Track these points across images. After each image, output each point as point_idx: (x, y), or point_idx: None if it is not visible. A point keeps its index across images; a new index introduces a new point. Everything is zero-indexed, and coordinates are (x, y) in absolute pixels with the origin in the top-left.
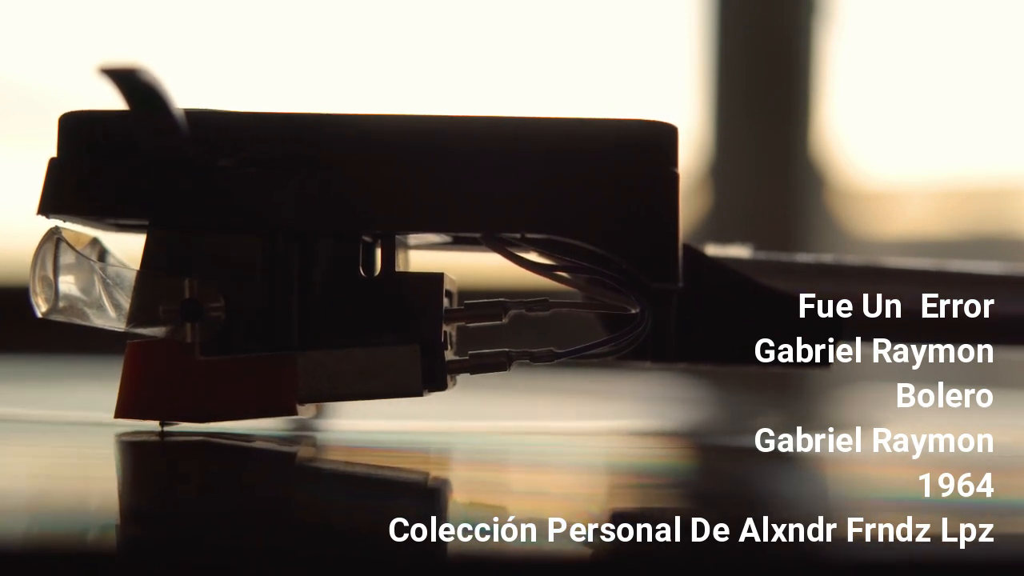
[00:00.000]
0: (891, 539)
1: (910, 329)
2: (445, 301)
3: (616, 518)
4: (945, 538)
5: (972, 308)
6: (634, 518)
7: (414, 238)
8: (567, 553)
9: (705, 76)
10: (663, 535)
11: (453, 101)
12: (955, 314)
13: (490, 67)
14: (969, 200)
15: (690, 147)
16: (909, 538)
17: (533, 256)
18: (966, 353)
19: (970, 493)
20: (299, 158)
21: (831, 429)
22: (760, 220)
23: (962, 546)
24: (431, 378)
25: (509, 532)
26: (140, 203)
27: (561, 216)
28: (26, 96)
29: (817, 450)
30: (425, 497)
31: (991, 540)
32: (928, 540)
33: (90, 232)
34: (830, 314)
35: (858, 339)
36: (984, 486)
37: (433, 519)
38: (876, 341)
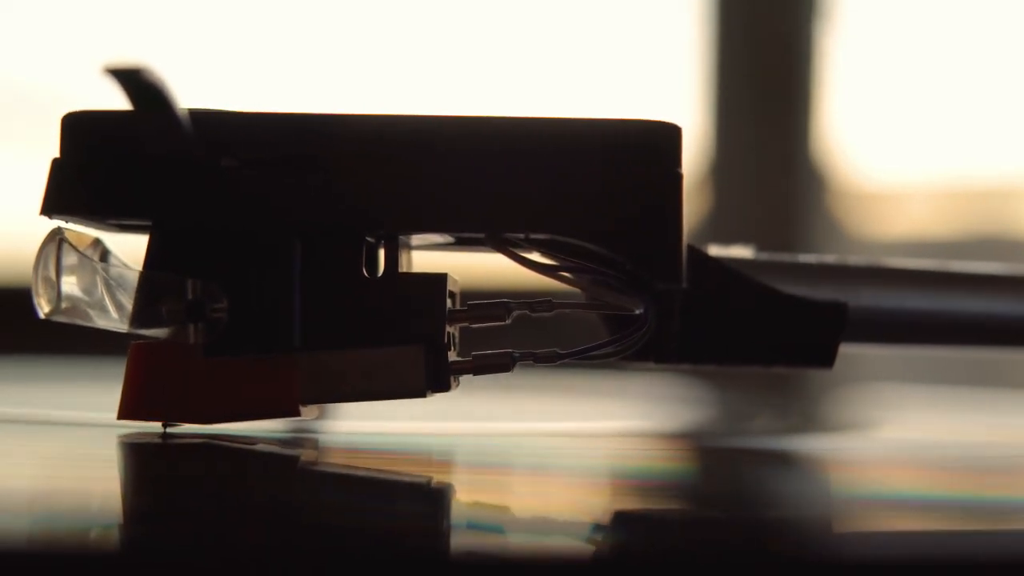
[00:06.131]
0: (891, 539)
1: (910, 329)
2: (448, 302)
3: (617, 519)
4: (945, 538)
5: (972, 308)
6: (635, 519)
7: (417, 238)
8: (568, 554)
9: (707, 76)
10: (664, 535)
11: (455, 101)
12: (955, 314)
13: (492, 67)
14: (970, 201)
15: (691, 147)
16: (909, 538)
17: (536, 256)
18: (966, 353)
19: (970, 493)
20: (303, 158)
21: (831, 429)
22: (761, 221)
23: (962, 546)
24: (434, 379)
25: (511, 533)
26: (143, 203)
27: (565, 216)
28: (28, 96)
29: (817, 450)
30: (428, 499)
31: (991, 540)
32: (928, 540)
33: (93, 233)
34: (831, 314)
35: (859, 339)
36: (984, 486)
37: (435, 520)
38: (877, 341)
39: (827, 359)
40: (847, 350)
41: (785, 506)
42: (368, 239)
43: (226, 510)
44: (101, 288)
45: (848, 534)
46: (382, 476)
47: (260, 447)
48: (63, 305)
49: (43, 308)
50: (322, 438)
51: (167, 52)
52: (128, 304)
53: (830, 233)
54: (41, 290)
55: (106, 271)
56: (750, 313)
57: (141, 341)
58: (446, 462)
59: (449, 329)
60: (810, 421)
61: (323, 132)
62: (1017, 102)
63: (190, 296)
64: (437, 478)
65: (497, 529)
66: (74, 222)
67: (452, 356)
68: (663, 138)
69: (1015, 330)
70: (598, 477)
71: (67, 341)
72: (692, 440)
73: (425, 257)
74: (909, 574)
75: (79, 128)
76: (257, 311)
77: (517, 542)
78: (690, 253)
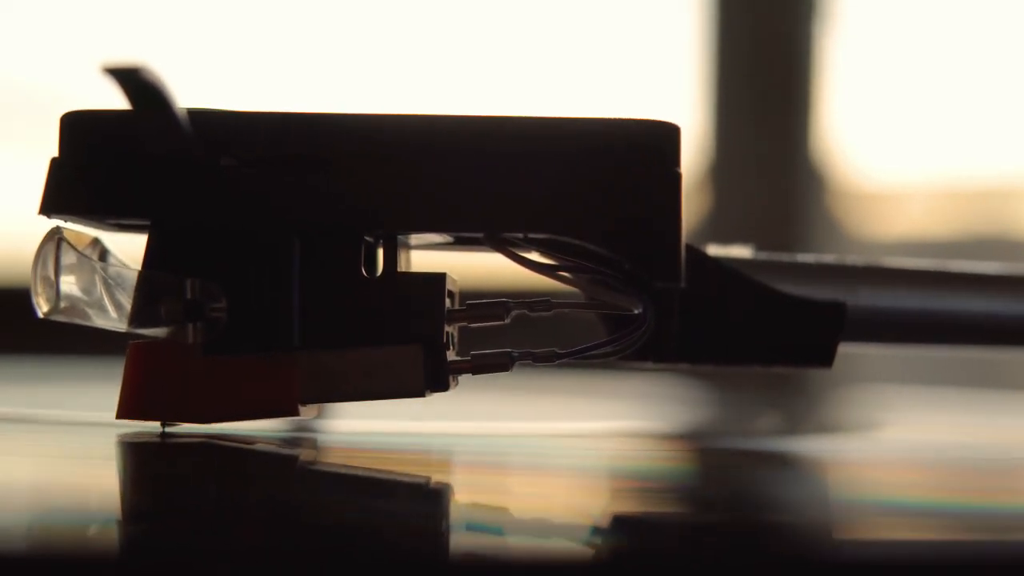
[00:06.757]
0: (891, 540)
1: (910, 329)
2: (447, 301)
3: (617, 519)
4: (945, 539)
5: (972, 308)
6: (635, 519)
7: (416, 238)
8: (568, 554)
9: (707, 76)
10: (663, 536)
11: (455, 101)
12: (955, 314)
13: (492, 67)
14: (970, 201)
15: (691, 147)
16: (909, 539)
17: (535, 256)
18: (966, 353)
19: (971, 494)
20: (302, 158)
21: (831, 430)
22: (761, 220)
23: (962, 547)
24: (433, 379)
25: (510, 533)
26: (142, 203)
27: (563, 216)
28: (28, 96)
29: (817, 451)
30: (427, 498)
31: (991, 542)
32: (928, 541)
33: (91, 232)
34: (830, 314)
35: (858, 339)
36: (984, 487)
37: (434, 520)
38: (876, 341)
39: (826, 359)
40: (846, 350)
41: (784, 508)
42: (367, 238)
43: (225, 509)
44: (100, 287)
45: (847, 536)
46: (381, 476)
47: (259, 446)
48: (62, 304)
49: (42, 307)
50: (321, 437)
51: (166, 52)
52: (127, 303)
53: (830, 233)
54: (40, 289)
55: (105, 270)
56: (749, 313)
57: (140, 340)
58: (445, 462)
59: (448, 329)
60: (809, 421)
61: (322, 131)
62: (1017, 102)
63: (189, 295)
64: (436, 478)
65: (496, 529)
66: (73, 221)
67: (451, 356)
68: (662, 138)
69: (1015, 330)
70: (597, 477)
71: (66, 341)
72: (691, 440)
73: (424, 257)
74: (909, 575)
75: (78, 128)
76: (256, 310)
77: (515, 542)
78: (689, 253)
